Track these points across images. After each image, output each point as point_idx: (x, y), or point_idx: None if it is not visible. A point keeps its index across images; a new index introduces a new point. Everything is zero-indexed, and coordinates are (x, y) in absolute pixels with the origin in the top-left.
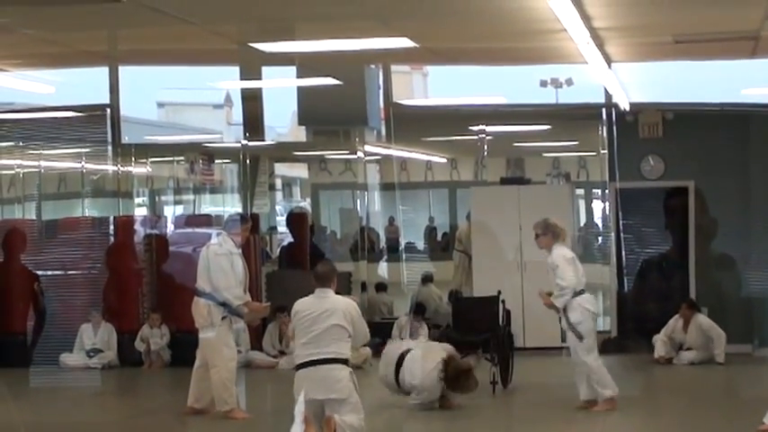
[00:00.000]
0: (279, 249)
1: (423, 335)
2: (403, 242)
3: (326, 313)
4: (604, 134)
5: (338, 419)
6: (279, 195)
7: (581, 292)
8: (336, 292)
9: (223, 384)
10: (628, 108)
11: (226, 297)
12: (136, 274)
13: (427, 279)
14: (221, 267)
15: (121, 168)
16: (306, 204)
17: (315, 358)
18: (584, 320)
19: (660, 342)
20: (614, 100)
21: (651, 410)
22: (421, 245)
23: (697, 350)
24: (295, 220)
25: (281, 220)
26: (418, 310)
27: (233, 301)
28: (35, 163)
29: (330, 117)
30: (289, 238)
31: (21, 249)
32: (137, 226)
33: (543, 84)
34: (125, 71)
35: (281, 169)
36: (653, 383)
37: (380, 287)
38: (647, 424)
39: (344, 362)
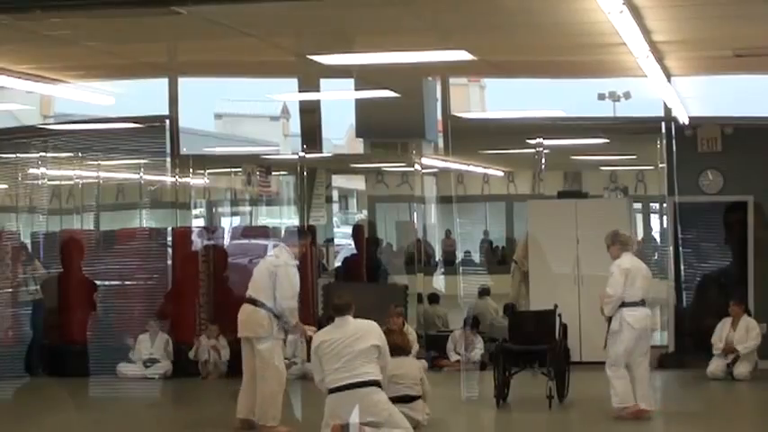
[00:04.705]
0: (341, 261)
1: (478, 348)
2: (460, 255)
3: (355, 336)
4: (663, 148)
5: None
6: (335, 207)
7: (632, 305)
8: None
9: (272, 398)
10: (687, 122)
11: (284, 310)
12: (193, 285)
13: (484, 292)
14: (283, 279)
15: (179, 179)
16: (363, 216)
17: (350, 382)
18: (619, 332)
19: (714, 343)
20: (673, 114)
21: (708, 427)
22: (478, 257)
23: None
24: (357, 231)
25: (337, 232)
26: (473, 323)
27: (290, 318)
28: (94, 174)
29: (387, 129)
30: (346, 251)
31: (78, 258)
32: (194, 237)
33: (601, 97)
34: (184, 83)
35: (338, 181)
36: (711, 399)
37: (433, 299)
38: None
39: (379, 384)
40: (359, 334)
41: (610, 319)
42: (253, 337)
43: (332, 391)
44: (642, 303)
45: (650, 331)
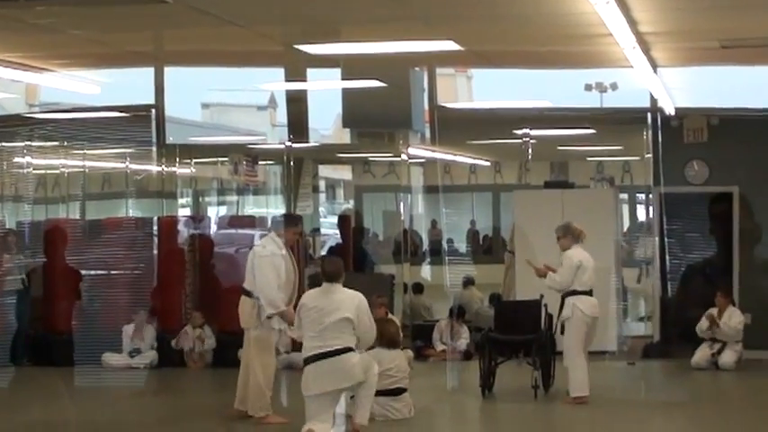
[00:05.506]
0: (327, 250)
1: (464, 338)
2: (445, 245)
3: (335, 306)
4: (649, 139)
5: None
6: (322, 197)
7: (583, 293)
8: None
9: (259, 390)
10: (673, 113)
11: (263, 301)
12: (179, 274)
13: (469, 282)
14: (261, 270)
15: (165, 169)
16: (350, 206)
17: (323, 351)
18: (571, 318)
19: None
20: (659, 104)
21: (694, 416)
22: (463, 248)
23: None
24: (342, 221)
25: (324, 222)
26: (459, 312)
27: (267, 307)
28: (80, 163)
29: (374, 119)
30: (332, 240)
31: (61, 247)
32: (180, 226)
33: (588, 88)
34: (170, 72)
35: (325, 171)
36: (695, 389)
37: (417, 289)
38: (687, 431)
39: (351, 349)
40: (339, 306)
41: (562, 306)
42: (244, 327)
43: (307, 362)
44: (590, 293)
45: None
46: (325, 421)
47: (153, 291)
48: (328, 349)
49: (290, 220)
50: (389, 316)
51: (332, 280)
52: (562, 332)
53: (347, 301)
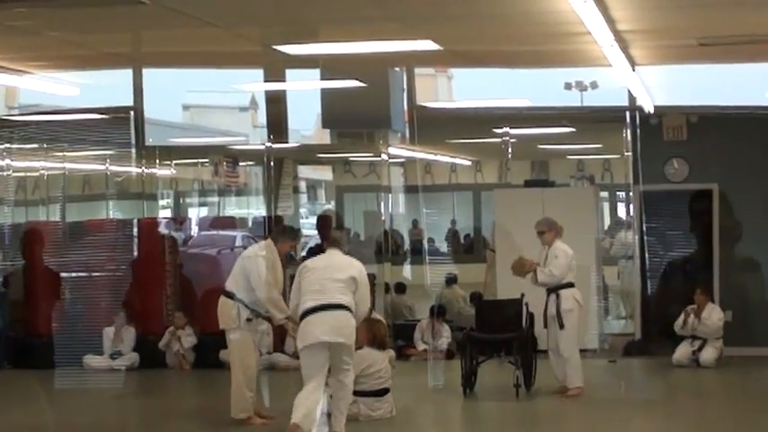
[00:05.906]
0: (307, 250)
1: (445, 337)
2: (426, 244)
3: (336, 266)
4: (629, 137)
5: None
6: (303, 198)
7: (572, 285)
8: None
9: (240, 392)
10: (652, 111)
11: (270, 309)
12: (160, 276)
13: (451, 281)
14: (260, 269)
15: (146, 170)
16: (330, 206)
17: (324, 303)
18: (574, 310)
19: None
20: (639, 103)
21: (674, 414)
22: (444, 247)
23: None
24: (321, 222)
25: (305, 223)
26: (440, 311)
27: (275, 314)
28: (60, 165)
29: (354, 119)
30: (313, 241)
31: (39, 250)
32: (161, 228)
33: (568, 86)
34: (150, 73)
35: (306, 172)
36: (676, 386)
37: (400, 288)
38: (669, 428)
39: (351, 311)
40: (341, 266)
41: (558, 297)
42: (224, 328)
43: (305, 314)
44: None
45: None
46: (319, 387)
47: (132, 293)
48: (331, 301)
49: (289, 231)
50: (375, 315)
51: (333, 246)
52: (562, 326)
53: (352, 264)
